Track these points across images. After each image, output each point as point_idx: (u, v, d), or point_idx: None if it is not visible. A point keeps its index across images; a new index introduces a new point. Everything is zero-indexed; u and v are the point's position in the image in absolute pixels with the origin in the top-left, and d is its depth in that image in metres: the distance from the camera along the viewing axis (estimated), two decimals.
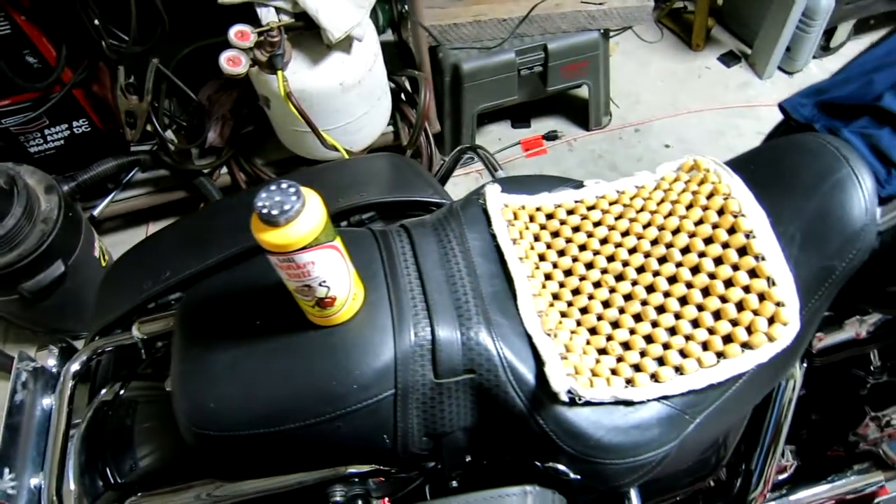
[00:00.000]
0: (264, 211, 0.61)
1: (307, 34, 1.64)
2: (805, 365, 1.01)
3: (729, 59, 2.54)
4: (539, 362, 0.74)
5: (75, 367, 0.95)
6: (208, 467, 0.88)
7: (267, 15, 1.55)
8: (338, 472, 0.81)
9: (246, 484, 0.83)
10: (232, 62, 1.51)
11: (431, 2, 1.98)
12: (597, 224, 0.90)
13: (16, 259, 1.60)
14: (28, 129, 1.80)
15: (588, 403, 0.73)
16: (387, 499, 0.84)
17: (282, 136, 1.93)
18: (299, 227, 0.62)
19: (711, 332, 0.78)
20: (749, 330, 0.77)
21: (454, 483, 0.89)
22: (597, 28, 2.04)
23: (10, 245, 1.59)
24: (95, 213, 2.02)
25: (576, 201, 0.93)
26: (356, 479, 0.83)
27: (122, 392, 0.98)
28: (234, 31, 1.51)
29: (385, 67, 1.87)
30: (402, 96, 2.06)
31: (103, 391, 0.99)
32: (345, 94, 1.71)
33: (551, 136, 2.31)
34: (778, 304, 0.76)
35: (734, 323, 0.78)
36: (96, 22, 1.56)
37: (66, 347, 1.05)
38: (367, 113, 1.84)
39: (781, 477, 1.23)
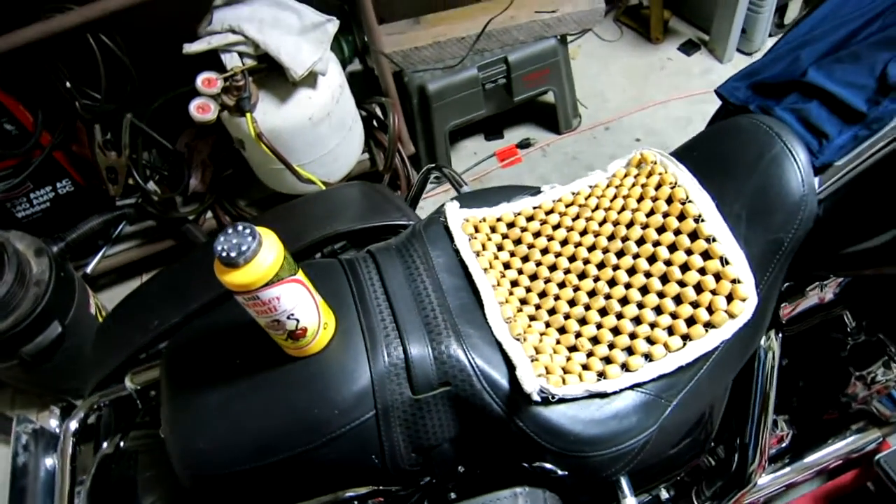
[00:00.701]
0: (224, 254, 0.64)
1: (272, 74, 1.68)
2: (781, 335, 1.04)
3: (689, 47, 2.59)
4: (511, 367, 0.77)
5: (74, 424, 0.98)
6: None
7: (231, 60, 1.60)
8: (337, 497, 0.84)
9: None
10: (201, 109, 1.55)
11: (391, 28, 2.03)
12: (556, 227, 0.93)
13: (12, 325, 1.63)
14: (13, 194, 1.84)
15: (562, 400, 0.76)
16: None
17: (260, 175, 1.97)
18: (258, 266, 0.65)
19: (675, 316, 0.81)
20: (710, 310, 0.80)
21: (452, 495, 0.92)
22: (553, 35, 2.09)
23: (6, 311, 1.62)
24: (88, 270, 2.06)
25: (534, 208, 0.97)
26: (356, 503, 0.86)
27: (122, 444, 1.01)
28: (200, 79, 1.55)
29: (353, 97, 1.92)
30: (374, 123, 2.10)
31: (104, 445, 1.01)
32: (315, 128, 1.75)
33: (525, 144, 2.35)
34: (734, 282, 0.80)
35: (695, 305, 0.81)
36: (68, 84, 1.60)
37: (66, 407, 1.08)
38: (340, 143, 1.88)
39: (783, 445, 1.25)
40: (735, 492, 1.14)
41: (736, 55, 2.51)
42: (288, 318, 0.70)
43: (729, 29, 2.39)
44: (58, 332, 1.74)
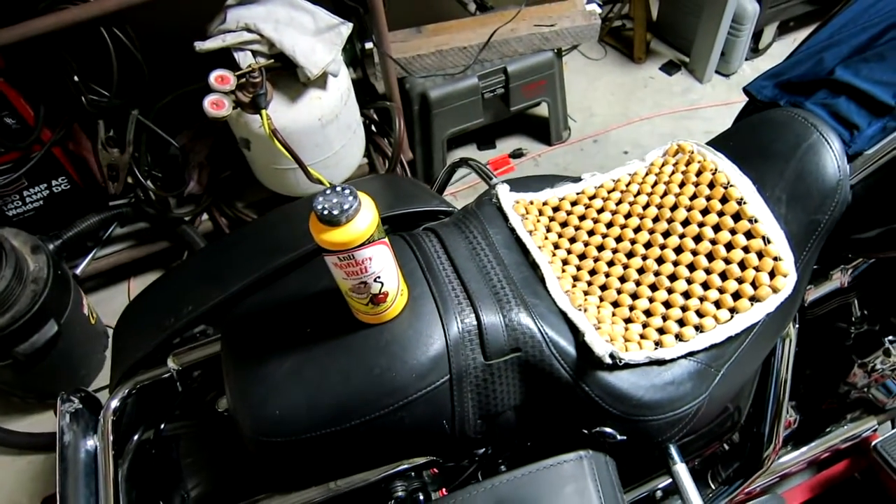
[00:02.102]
0: (325, 212, 0.66)
1: (283, 74, 1.70)
2: (797, 325, 1.10)
3: (670, 68, 2.71)
4: (577, 335, 0.81)
5: (115, 403, 0.97)
6: (262, 484, 0.91)
7: (245, 58, 1.61)
8: (395, 467, 0.85)
9: (303, 493, 0.86)
10: (216, 105, 1.56)
11: (393, 36, 2.07)
12: (600, 211, 0.98)
13: (9, 321, 1.59)
14: (7, 191, 1.79)
15: (627, 366, 0.80)
16: (444, 489, 0.89)
17: (261, 176, 1.98)
18: (358, 225, 0.68)
19: (721, 291, 0.86)
20: (754, 285, 0.86)
21: (503, 468, 0.94)
22: (550, 48, 2.17)
23: (3, 307, 1.58)
24: (78, 272, 2.01)
25: (577, 193, 1.02)
26: (412, 474, 0.87)
27: (162, 428, 1.00)
28: (214, 76, 1.56)
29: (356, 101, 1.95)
30: (373, 128, 2.14)
31: (139, 431, 1.00)
32: (324, 129, 1.77)
33: (517, 154, 2.42)
34: (776, 259, 0.85)
35: (740, 281, 0.86)
36: (76, 78, 1.59)
37: (86, 396, 1.06)
38: (345, 146, 1.90)
39: (786, 433, 1.32)
40: (750, 475, 1.20)
41: (715, 76, 2.65)
42: (375, 280, 0.73)
43: (709, 52, 2.52)
44: (54, 330, 1.70)
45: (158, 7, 1.59)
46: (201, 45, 1.63)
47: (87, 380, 1.97)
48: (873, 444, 1.31)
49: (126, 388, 0.98)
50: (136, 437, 1.00)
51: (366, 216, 0.68)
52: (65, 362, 1.82)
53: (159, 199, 2.00)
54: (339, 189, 0.68)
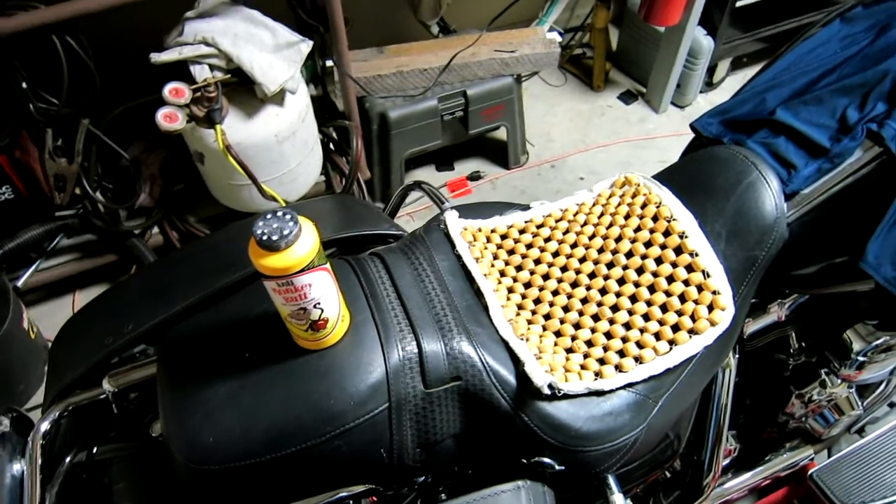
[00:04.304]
0: (264, 237, 0.66)
1: (240, 89, 1.68)
2: (737, 356, 1.13)
3: (627, 97, 2.78)
4: (518, 364, 0.81)
5: (45, 426, 0.93)
6: None
7: (201, 72, 1.59)
8: (332, 496, 0.84)
9: None
10: (169, 118, 1.53)
11: (355, 55, 2.07)
12: (547, 240, 0.99)
13: None
14: None
15: (566, 396, 0.81)
16: None
17: (216, 191, 1.95)
18: (298, 251, 0.67)
19: (661, 323, 0.88)
20: (693, 318, 0.87)
21: (443, 496, 0.94)
22: (510, 73, 2.20)
23: None
24: (19, 284, 1.95)
25: (525, 221, 1.03)
26: (350, 503, 0.86)
27: (95, 451, 0.97)
28: (168, 89, 1.54)
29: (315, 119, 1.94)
30: (332, 146, 2.13)
31: (71, 454, 0.97)
32: (280, 146, 1.76)
33: (475, 177, 2.44)
34: (714, 293, 0.87)
35: (680, 313, 0.88)
36: (24, 85, 1.54)
37: (17, 417, 1.02)
38: (301, 163, 1.89)
39: (726, 462, 1.34)
40: (690, 503, 1.21)
41: (670, 108, 2.72)
42: (315, 306, 0.72)
43: (665, 83, 2.59)
44: None
45: (114, 16, 1.56)
46: (157, 57, 1.61)
47: (25, 395, 1.89)
48: (810, 472, 1.34)
49: (58, 409, 0.95)
50: (67, 460, 0.97)
51: (306, 242, 0.67)
52: (1, 377, 1.76)
53: (108, 211, 1.95)
54: (279, 214, 0.67)
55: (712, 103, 2.68)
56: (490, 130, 2.35)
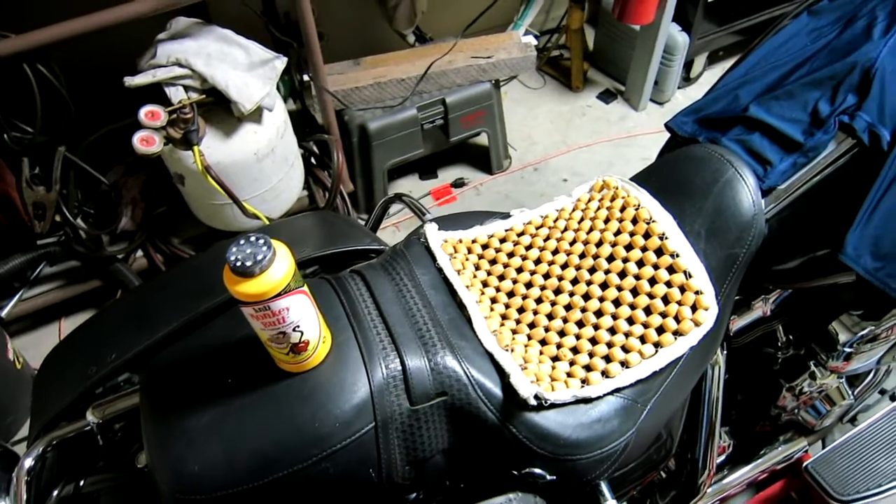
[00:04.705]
0: (238, 264, 0.65)
1: (217, 109, 1.68)
2: (725, 352, 1.13)
3: (607, 96, 2.78)
4: (503, 376, 0.81)
5: (29, 462, 0.92)
6: None
7: (176, 94, 1.58)
8: None
9: None
10: (145, 142, 1.52)
11: (331, 68, 2.07)
12: (528, 248, 0.99)
13: None
14: None
15: (553, 406, 0.80)
16: None
17: (198, 211, 1.93)
18: (273, 275, 0.66)
19: (646, 326, 0.87)
20: (677, 319, 0.87)
21: None
22: (488, 79, 2.20)
23: None
24: (3, 314, 1.92)
25: (506, 230, 1.02)
26: None
27: (82, 484, 0.96)
28: (144, 112, 1.53)
29: (294, 134, 1.94)
30: (313, 160, 2.12)
31: (59, 487, 0.95)
32: (260, 163, 1.75)
33: (459, 184, 2.43)
34: (697, 293, 0.87)
35: (664, 315, 0.87)
36: None
37: (2, 452, 1.01)
38: (283, 179, 1.88)
39: (721, 458, 1.34)
40: (687, 502, 1.21)
41: (649, 105, 2.73)
42: (294, 329, 0.71)
43: (643, 81, 2.60)
44: None
45: (85, 41, 1.55)
46: (131, 81, 1.60)
47: (13, 427, 1.88)
48: (805, 464, 1.34)
49: (42, 444, 0.93)
50: (54, 494, 0.95)
51: (281, 266, 0.67)
52: None
53: (90, 237, 1.94)
54: (253, 238, 0.67)
55: (691, 98, 2.71)
56: (471, 137, 2.35)
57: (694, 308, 0.87)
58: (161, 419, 0.79)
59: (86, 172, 1.81)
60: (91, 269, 2.00)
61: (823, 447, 1.41)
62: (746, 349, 1.23)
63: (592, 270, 0.93)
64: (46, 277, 2.07)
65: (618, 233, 0.94)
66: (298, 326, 0.71)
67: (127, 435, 0.99)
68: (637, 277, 0.90)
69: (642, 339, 0.87)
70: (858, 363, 1.15)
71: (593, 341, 0.87)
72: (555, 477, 0.82)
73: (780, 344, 1.23)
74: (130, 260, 2.03)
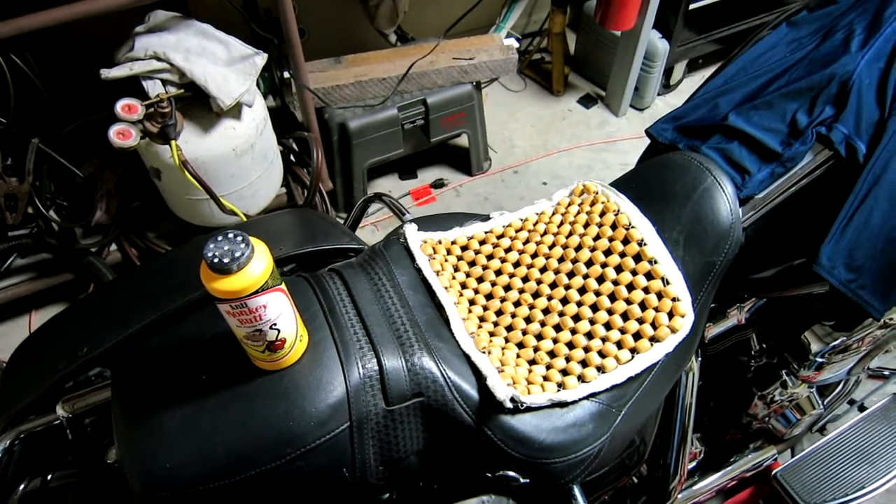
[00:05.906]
0: (216, 261, 0.64)
1: (195, 104, 1.65)
2: (700, 359, 1.14)
3: (587, 101, 2.80)
4: (480, 378, 0.81)
5: None
6: None
7: (154, 87, 1.56)
8: None
9: None
10: (122, 135, 1.50)
11: (312, 66, 2.05)
12: (508, 250, 0.99)
13: None
14: None
15: (528, 409, 0.80)
16: None
17: (174, 206, 1.91)
18: (251, 272, 0.65)
19: (623, 331, 0.88)
20: (654, 325, 0.88)
21: None
22: (469, 81, 2.20)
23: None
24: None
25: (486, 232, 1.02)
26: None
27: (50, 478, 0.94)
28: (120, 105, 1.50)
29: (274, 131, 1.92)
30: (292, 157, 2.10)
31: (25, 481, 0.94)
32: (238, 160, 1.73)
33: (438, 185, 2.43)
34: (674, 300, 0.88)
35: (641, 321, 0.88)
36: None
37: None
38: (261, 176, 1.86)
39: (692, 464, 1.35)
40: None
41: (630, 111, 2.75)
42: (271, 327, 0.70)
43: (623, 87, 2.62)
44: None
45: (61, 32, 1.52)
46: (107, 73, 1.57)
47: None
48: (774, 472, 1.36)
49: (9, 437, 0.92)
50: (21, 488, 0.94)
51: (259, 264, 0.66)
52: None
53: (63, 229, 1.90)
54: (230, 235, 0.66)
55: (670, 105, 2.74)
56: (452, 138, 2.35)
57: (671, 315, 0.88)
58: (133, 414, 0.77)
59: (60, 164, 1.77)
60: (63, 261, 1.96)
61: (793, 456, 1.44)
62: (720, 357, 1.25)
63: (571, 275, 0.93)
64: (17, 269, 2.02)
65: (597, 238, 0.95)
66: (275, 324, 0.71)
67: (97, 429, 0.97)
68: (615, 283, 0.90)
69: (619, 345, 0.87)
70: (829, 373, 1.17)
71: (570, 345, 0.88)
72: (528, 480, 0.83)
73: (753, 352, 1.25)
74: (104, 253, 2.00)
